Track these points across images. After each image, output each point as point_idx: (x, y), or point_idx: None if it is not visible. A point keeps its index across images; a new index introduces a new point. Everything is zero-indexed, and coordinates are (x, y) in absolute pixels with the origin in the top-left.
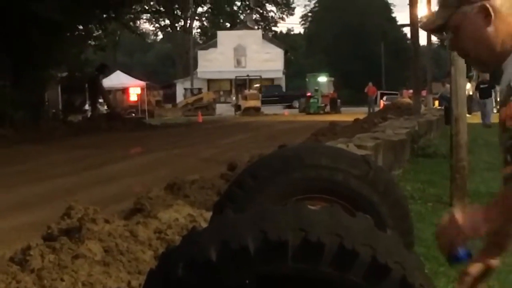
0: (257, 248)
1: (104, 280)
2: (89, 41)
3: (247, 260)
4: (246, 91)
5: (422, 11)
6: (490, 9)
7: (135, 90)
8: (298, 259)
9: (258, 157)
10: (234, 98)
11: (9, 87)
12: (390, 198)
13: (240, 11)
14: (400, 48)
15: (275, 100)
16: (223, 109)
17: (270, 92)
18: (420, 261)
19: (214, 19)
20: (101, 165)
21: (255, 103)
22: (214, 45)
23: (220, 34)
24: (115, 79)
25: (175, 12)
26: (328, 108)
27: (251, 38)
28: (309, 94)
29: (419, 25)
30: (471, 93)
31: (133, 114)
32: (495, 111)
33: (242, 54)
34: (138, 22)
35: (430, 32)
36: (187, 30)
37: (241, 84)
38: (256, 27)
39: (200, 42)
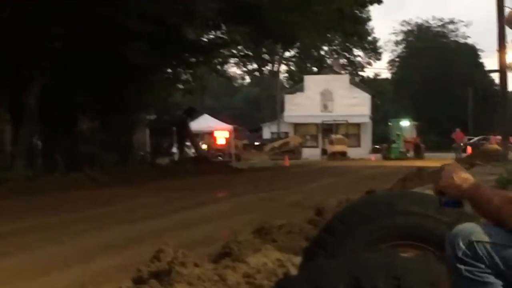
0: None
1: None
2: (177, 85)
3: None
4: (333, 136)
5: (511, 57)
6: None
7: (222, 133)
8: None
9: (345, 203)
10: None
11: (98, 130)
12: None
13: (327, 56)
14: (488, 94)
15: None
16: (309, 153)
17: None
18: None
19: (301, 63)
20: (189, 208)
21: (342, 147)
22: (301, 89)
23: (307, 79)
24: (203, 122)
25: (263, 56)
26: (411, 154)
27: (338, 83)
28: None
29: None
30: None
31: (220, 158)
32: None
33: (329, 99)
34: (226, 66)
35: None
36: (275, 74)
37: (327, 129)
38: (343, 72)
39: (287, 86)
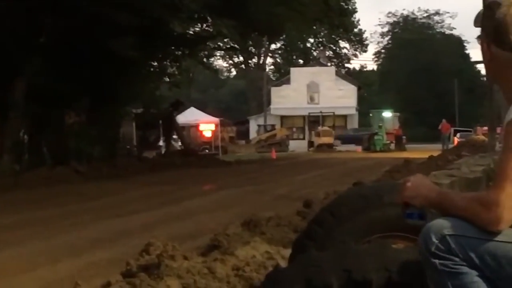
0: (341, 287)
1: None
2: (164, 78)
3: None
4: (319, 128)
5: None
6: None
7: (209, 126)
8: None
9: (333, 194)
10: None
11: (85, 124)
12: None
13: (313, 48)
14: (475, 85)
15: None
16: (296, 146)
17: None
18: None
19: (288, 56)
20: (177, 201)
21: (328, 139)
22: (287, 81)
23: (294, 71)
24: (189, 116)
25: (249, 49)
26: (392, 146)
27: (324, 75)
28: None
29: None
30: None
31: (207, 151)
32: None
33: (315, 91)
34: (212, 58)
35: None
36: (261, 66)
37: (314, 121)
38: (329, 64)
39: (273, 78)
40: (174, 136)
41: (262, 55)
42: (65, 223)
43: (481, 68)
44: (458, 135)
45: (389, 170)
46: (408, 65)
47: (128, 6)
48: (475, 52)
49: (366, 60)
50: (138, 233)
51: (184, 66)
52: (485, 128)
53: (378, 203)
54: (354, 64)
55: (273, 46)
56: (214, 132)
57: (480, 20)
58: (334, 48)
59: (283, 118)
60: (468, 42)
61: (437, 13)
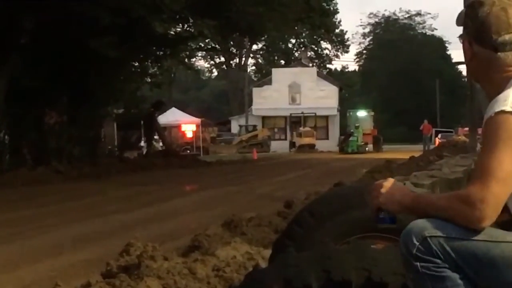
0: (321, 287)
1: None
2: (145, 78)
3: None
4: (301, 128)
5: None
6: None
7: (190, 127)
8: None
9: (314, 195)
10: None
11: (66, 124)
12: None
13: (295, 49)
14: (456, 86)
15: None
16: (278, 146)
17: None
18: None
19: (269, 56)
20: (158, 202)
21: (310, 140)
22: (269, 82)
23: (275, 72)
24: (171, 116)
25: (230, 50)
26: (369, 147)
27: (306, 76)
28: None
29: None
30: None
31: (188, 151)
32: None
33: (297, 91)
34: (194, 59)
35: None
36: (242, 67)
37: (296, 121)
38: (310, 65)
39: (255, 79)
40: (156, 137)
41: (244, 55)
42: (45, 223)
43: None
44: (439, 135)
45: (370, 170)
46: (390, 66)
47: (109, 6)
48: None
49: (347, 61)
50: (119, 233)
51: (165, 67)
52: (466, 129)
53: (358, 204)
54: (336, 64)
55: (254, 47)
56: (195, 132)
57: (463, 19)
58: (316, 48)
59: (264, 118)
60: (449, 43)
61: (418, 13)
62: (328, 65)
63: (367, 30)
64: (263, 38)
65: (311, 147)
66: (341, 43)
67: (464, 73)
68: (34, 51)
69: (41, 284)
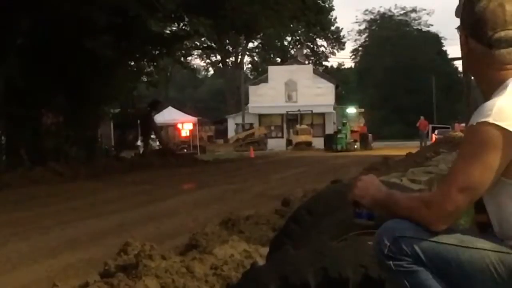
0: (318, 284)
1: None
2: (142, 77)
3: None
4: (298, 126)
5: None
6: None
7: (187, 125)
8: None
9: (312, 193)
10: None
11: (63, 124)
12: None
13: (291, 46)
14: (452, 82)
15: None
16: (275, 144)
17: None
18: None
19: (265, 54)
20: (155, 201)
21: (307, 138)
22: (265, 80)
23: (271, 69)
24: (167, 115)
25: (226, 48)
26: (357, 145)
27: (302, 73)
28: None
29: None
30: None
31: (185, 150)
32: None
33: (293, 89)
34: (190, 58)
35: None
36: (238, 65)
37: (292, 119)
38: (307, 62)
39: (251, 77)
40: (152, 136)
41: (240, 54)
42: (43, 223)
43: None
44: (436, 132)
45: (368, 168)
46: (386, 63)
47: (104, 5)
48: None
49: (343, 58)
50: (116, 233)
51: (161, 66)
52: (463, 124)
53: None
54: (332, 62)
55: (250, 45)
56: (192, 131)
57: (460, 11)
58: (312, 46)
59: (261, 116)
60: (445, 39)
61: (414, 10)
62: (324, 63)
63: (362, 27)
64: (258, 36)
65: (308, 144)
66: (337, 40)
67: (460, 69)
68: (30, 51)
69: (39, 284)
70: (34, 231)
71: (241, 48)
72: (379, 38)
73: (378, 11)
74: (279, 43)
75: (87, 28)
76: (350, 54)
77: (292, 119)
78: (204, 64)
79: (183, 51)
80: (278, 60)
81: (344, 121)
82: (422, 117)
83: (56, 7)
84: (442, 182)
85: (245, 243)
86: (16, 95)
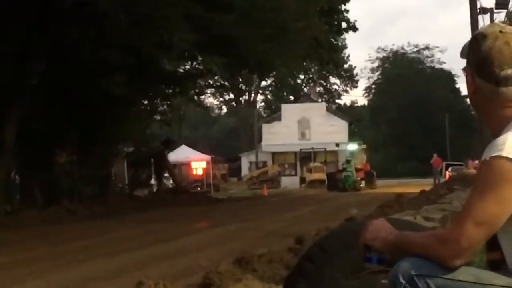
0: None
1: None
2: (155, 116)
3: None
4: (311, 164)
5: None
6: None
7: (200, 164)
8: None
9: (325, 231)
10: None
11: (76, 163)
12: None
13: (304, 84)
14: (465, 119)
15: None
16: (288, 182)
17: None
18: None
19: (278, 92)
20: (169, 240)
21: (320, 175)
22: (278, 118)
23: (284, 107)
24: (181, 153)
25: (239, 86)
26: (363, 184)
27: (315, 111)
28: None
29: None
30: None
31: (199, 188)
32: None
33: (306, 127)
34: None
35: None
36: (251, 103)
37: (305, 157)
38: (320, 100)
39: (264, 115)
40: (166, 174)
41: (253, 92)
42: (57, 262)
43: None
44: (449, 169)
45: (381, 205)
46: (399, 100)
47: (118, 45)
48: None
49: (356, 96)
50: (130, 272)
51: (174, 104)
52: (476, 162)
53: None
54: (345, 99)
55: (263, 83)
56: (205, 169)
57: (466, 51)
58: (325, 84)
59: (274, 154)
60: (458, 76)
61: (426, 47)
62: (337, 100)
63: (375, 64)
64: (272, 74)
65: (322, 182)
66: (350, 78)
67: None
68: (44, 91)
69: None
70: (48, 270)
71: (254, 86)
72: (392, 76)
73: (391, 49)
74: (292, 81)
75: (101, 67)
76: (363, 92)
77: (306, 157)
78: (217, 102)
79: (196, 90)
80: (291, 98)
81: (349, 158)
82: (435, 155)
83: (71, 48)
84: (457, 218)
85: (258, 281)
86: (30, 134)
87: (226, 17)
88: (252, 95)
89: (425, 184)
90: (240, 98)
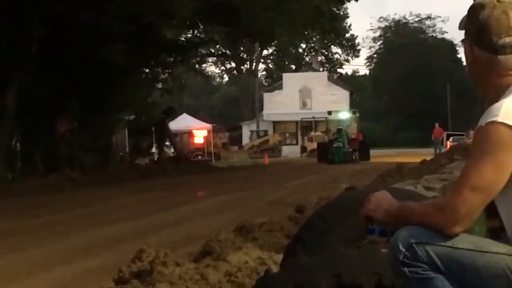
0: None
1: None
2: (156, 84)
3: None
4: (312, 133)
5: None
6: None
7: (201, 132)
8: None
9: (326, 199)
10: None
11: (77, 131)
12: None
13: (305, 54)
14: (466, 89)
15: None
16: (289, 151)
17: None
18: None
19: (280, 61)
20: (169, 208)
21: None
22: (280, 87)
23: (286, 76)
24: (182, 122)
25: (241, 55)
26: (356, 156)
27: (317, 80)
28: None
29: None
30: None
31: (200, 157)
32: None
33: (308, 96)
34: (204, 65)
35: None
36: (253, 72)
37: (307, 126)
38: (321, 69)
39: (266, 84)
40: (167, 143)
41: (254, 61)
42: (58, 230)
43: None
44: (450, 139)
45: (382, 174)
46: (400, 70)
47: (118, 13)
48: None
49: (358, 65)
50: (130, 240)
51: (176, 73)
52: None
53: None
54: (347, 69)
55: (265, 52)
56: (206, 138)
57: (465, 22)
58: (326, 53)
59: (275, 123)
60: (459, 46)
61: (428, 17)
62: (338, 70)
63: (377, 34)
64: (273, 43)
65: None
66: (351, 48)
67: None
68: (45, 59)
69: None
70: (48, 237)
71: (255, 55)
72: (394, 45)
73: (393, 18)
74: (293, 50)
75: (101, 35)
76: (365, 61)
77: (307, 126)
78: (219, 71)
79: (198, 58)
80: (293, 67)
81: (340, 127)
82: (437, 124)
83: (70, 16)
84: (454, 185)
85: (259, 250)
86: (30, 102)
87: None
88: (254, 64)
89: (425, 154)
90: (242, 67)
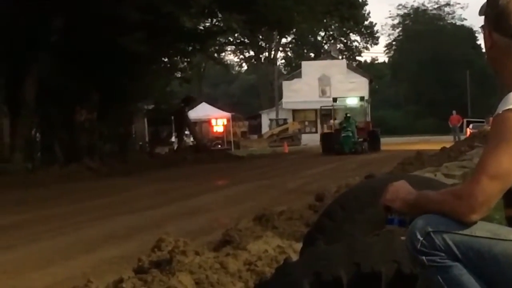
0: (350, 279)
1: None
2: (175, 73)
3: None
4: (331, 121)
5: None
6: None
7: (220, 121)
8: None
9: (345, 188)
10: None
11: (96, 121)
12: None
13: (324, 41)
14: (486, 76)
15: None
16: (309, 139)
17: None
18: None
19: (298, 49)
20: (189, 197)
21: None
22: (299, 75)
23: (305, 65)
24: (201, 111)
25: (259, 43)
26: (366, 146)
27: (336, 68)
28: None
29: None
30: None
31: (219, 146)
32: None
33: (327, 84)
34: (223, 53)
35: None
36: (272, 61)
37: (326, 114)
38: (340, 57)
39: (285, 72)
40: (186, 132)
41: (273, 49)
42: (78, 220)
43: None
44: (470, 126)
45: (402, 162)
46: (419, 57)
47: (137, 3)
48: None
49: (377, 53)
50: (150, 229)
51: (194, 62)
52: None
53: None
54: (365, 56)
55: (283, 40)
56: (226, 127)
57: (484, 9)
58: (345, 41)
59: (295, 112)
60: (479, 33)
61: (447, 4)
62: (357, 57)
63: (396, 21)
64: (292, 31)
65: None
66: (370, 35)
67: None
68: (64, 49)
69: (73, 280)
70: (69, 227)
71: (274, 43)
72: (413, 33)
73: (412, 5)
74: (312, 38)
75: (120, 25)
76: (384, 49)
77: (326, 114)
78: (238, 59)
79: (216, 47)
80: (312, 55)
81: (348, 114)
82: (454, 112)
83: (90, 6)
84: (473, 173)
85: (278, 238)
86: (50, 92)
87: None
88: (272, 52)
89: (445, 141)
90: (260, 56)
